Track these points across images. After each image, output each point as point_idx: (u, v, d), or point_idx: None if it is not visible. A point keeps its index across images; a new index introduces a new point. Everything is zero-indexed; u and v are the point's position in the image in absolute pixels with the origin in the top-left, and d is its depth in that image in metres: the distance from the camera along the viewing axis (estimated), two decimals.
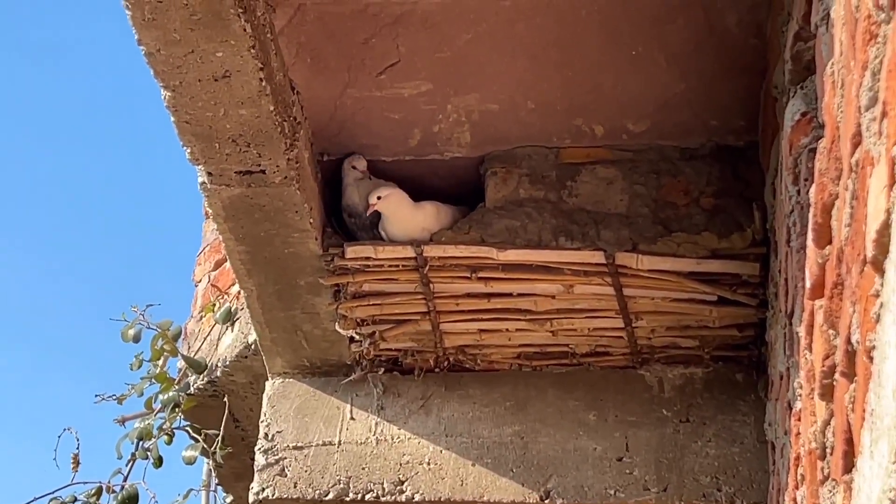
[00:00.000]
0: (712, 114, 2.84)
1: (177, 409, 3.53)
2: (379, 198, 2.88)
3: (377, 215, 2.93)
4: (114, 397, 3.77)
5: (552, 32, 2.68)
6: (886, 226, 1.23)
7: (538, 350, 3.05)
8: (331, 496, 2.96)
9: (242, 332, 3.36)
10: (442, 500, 2.93)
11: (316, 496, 2.96)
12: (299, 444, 3.03)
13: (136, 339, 3.69)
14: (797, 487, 2.12)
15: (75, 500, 3.55)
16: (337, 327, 2.99)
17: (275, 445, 3.03)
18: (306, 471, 2.99)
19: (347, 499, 2.95)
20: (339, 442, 3.02)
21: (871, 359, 1.34)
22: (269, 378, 3.17)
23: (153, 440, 3.56)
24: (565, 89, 2.82)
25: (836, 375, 1.61)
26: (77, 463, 3.75)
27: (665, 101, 2.82)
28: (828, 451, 1.72)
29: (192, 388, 3.48)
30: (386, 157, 2.97)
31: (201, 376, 3.46)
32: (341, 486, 2.96)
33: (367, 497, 2.95)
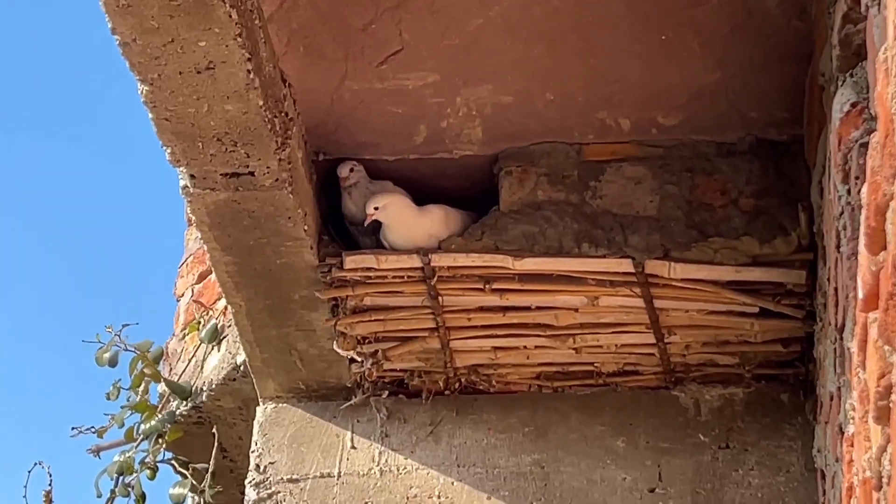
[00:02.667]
0: (751, 105, 2.84)
1: (160, 440, 3.53)
2: (376, 208, 2.88)
3: (378, 222, 2.92)
4: (92, 430, 3.78)
5: (572, 16, 2.68)
6: None
7: (560, 369, 3.06)
8: None
9: (230, 353, 3.37)
10: None
11: None
12: (294, 477, 3.03)
13: (113, 363, 3.70)
14: None
15: None
16: (335, 346, 2.99)
17: (267, 478, 3.03)
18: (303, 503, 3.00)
19: None
20: (339, 473, 3.02)
21: None
22: (261, 403, 3.17)
23: (135, 475, 3.57)
24: (587, 79, 2.82)
25: (893, 397, 1.60)
26: (49, 501, 3.76)
27: (699, 92, 2.82)
28: (884, 480, 1.72)
29: (176, 416, 3.49)
30: (388, 156, 2.97)
31: (186, 402, 3.47)
32: None
33: None
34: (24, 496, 3.72)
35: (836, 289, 2.30)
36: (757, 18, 2.66)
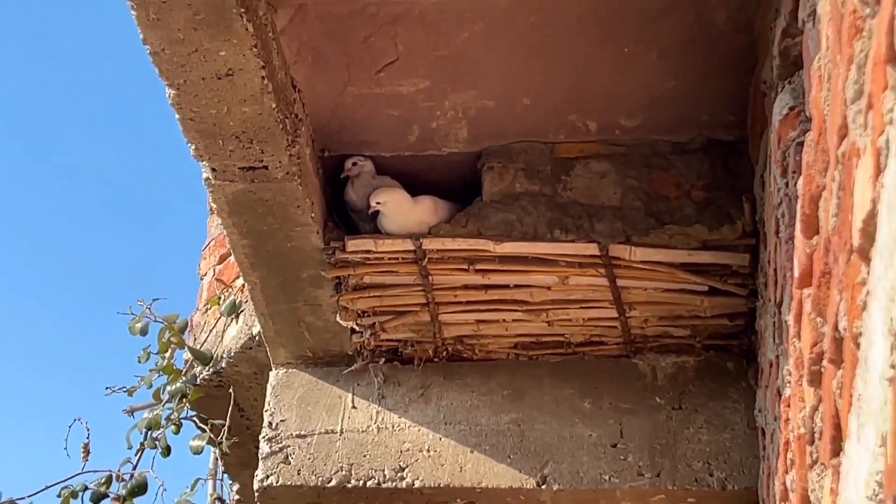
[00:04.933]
0: (702, 109, 2.83)
1: (184, 400, 3.53)
2: (378, 203, 2.89)
3: (377, 211, 2.92)
4: (123, 389, 3.79)
5: (546, 30, 2.68)
6: (872, 215, 1.23)
7: (534, 340, 3.05)
8: (333, 483, 2.95)
9: (247, 324, 3.37)
10: (441, 486, 2.93)
11: (318, 483, 2.96)
12: (302, 433, 3.03)
13: (144, 332, 3.70)
14: (787, 472, 2.12)
15: (86, 488, 3.55)
16: (338, 319, 2.99)
17: (278, 434, 3.03)
18: (309, 458, 2.99)
19: (349, 486, 2.95)
20: (341, 430, 3.02)
21: (857, 345, 1.33)
22: (273, 368, 3.17)
23: (161, 430, 3.57)
24: (559, 86, 2.82)
25: (824, 362, 1.61)
26: (87, 452, 3.75)
27: (656, 97, 2.82)
28: (816, 436, 1.72)
29: (198, 380, 3.49)
30: (385, 152, 2.96)
31: (207, 367, 3.47)
32: (343, 473, 2.96)
33: (369, 484, 2.95)
34: (65, 448, 3.72)
35: (775, 269, 2.30)
36: (707, 33, 2.66)
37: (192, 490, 3.67)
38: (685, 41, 2.67)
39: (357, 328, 3.02)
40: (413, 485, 2.94)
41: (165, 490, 3.58)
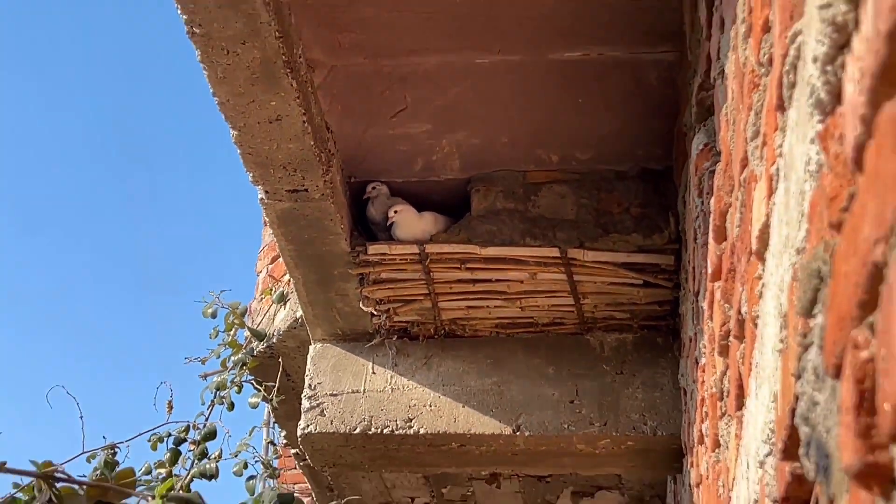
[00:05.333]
0: (638, 146, 2.84)
1: (244, 367, 3.52)
2: (395, 212, 2.89)
3: (391, 222, 2.93)
4: (198, 359, 3.78)
5: (520, 86, 2.68)
6: (766, 226, 1.24)
7: (510, 321, 3.05)
8: (357, 430, 2.96)
9: (292, 310, 3.37)
10: (440, 433, 2.94)
11: (346, 430, 2.96)
12: (334, 392, 3.03)
13: (214, 315, 3.69)
14: (702, 421, 2.13)
15: (169, 435, 3.54)
16: (361, 305, 2.99)
17: (316, 393, 3.03)
18: (339, 412, 2.99)
19: (370, 433, 2.95)
20: (364, 390, 3.02)
21: (755, 325, 1.34)
22: (312, 343, 3.16)
23: (227, 390, 3.56)
24: (530, 128, 2.82)
25: (731, 338, 1.61)
26: (171, 408, 3.74)
27: (603, 136, 2.82)
28: (725, 394, 1.73)
29: (255, 352, 3.48)
30: (397, 179, 2.96)
31: (262, 343, 3.46)
32: (365, 423, 2.96)
33: (385, 431, 2.95)
34: (154, 404, 3.70)
35: (693, 267, 2.31)
36: (642, 88, 2.66)
37: (249, 436, 3.65)
38: (625, 94, 2.68)
39: (375, 312, 3.02)
40: (419, 432, 2.94)
41: (230, 436, 3.57)
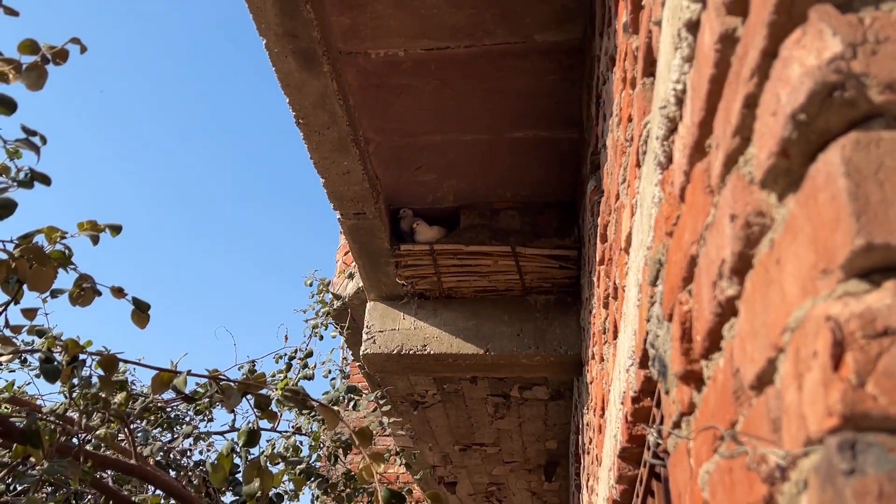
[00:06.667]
0: (558, 186, 2.83)
1: (328, 315, 3.52)
2: (416, 225, 2.88)
3: (414, 232, 2.92)
4: (302, 310, 3.78)
5: (489, 153, 2.68)
6: (630, 234, 1.23)
7: (483, 289, 3.03)
8: (394, 352, 2.95)
9: (357, 282, 3.36)
10: (443, 353, 2.93)
11: (388, 352, 2.96)
12: (381, 329, 3.02)
13: (311, 285, 3.70)
14: (594, 346, 2.12)
15: (285, 354, 3.54)
16: (397, 280, 2.98)
17: (370, 330, 3.03)
18: (384, 341, 2.99)
19: (402, 353, 2.95)
20: (398, 329, 3.02)
21: (624, 290, 1.33)
22: (368, 301, 3.16)
23: (318, 328, 3.56)
24: (494, 177, 2.82)
25: (609, 298, 1.61)
26: (286, 339, 3.76)
27: (536, 181, 2.81)
28: (606, 331, 1.72)
29: (335, 306, 3.48)
30: (417, 206, 2.95)
31: (339, 301, 3.46)
32: (399, 347, 2.96)
33: (411, 352, 2.95)
34: (276, 336, 3.70)
35: (588, 257, 2.30)
36: (559, 152, 2.66)
37: (331, 353, 3.67)
38: (549, 157, 2.68)
39: (405, 284, 3.01)
40: (430, 353, 2.94)
41: (321, 354, 3.59)
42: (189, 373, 1.23)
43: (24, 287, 1.26)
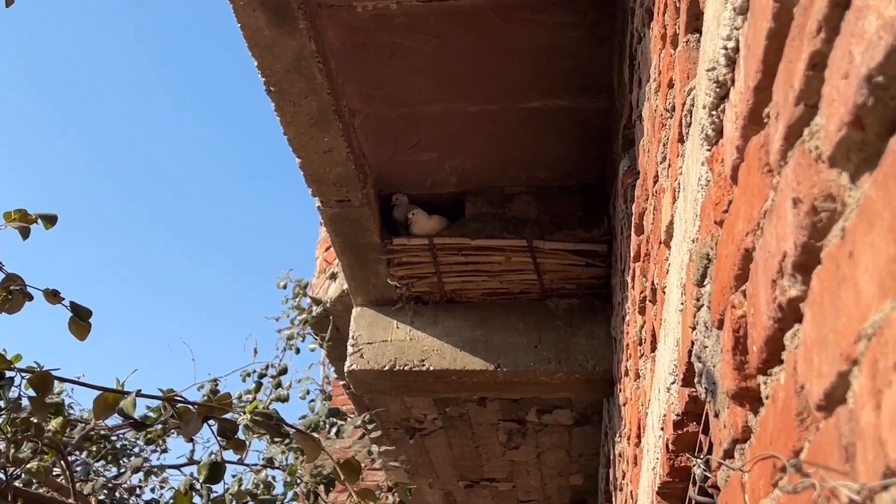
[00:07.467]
0: (583, 167, 2.83)
1: (306, 324, 3.54)
2: (413, 214, 2.88)
3: (410, 222, 2.93)
4: (275, 318, 3.80)
5: (498, 127, 2.68)
6: (671, 224, 1.24)
7: (493, 291, 3.04)
8: (386, 368, 2.96)
9: (340, 284, 3.37)
10: (444, 369, 2.94)
11: (379, 368, 2.97)
12: (370, 341, 3.03)
13: (285, 287, 3.72)
14: (627, 360, 2.13)
15: (254, 371, 3.56)
16: (389, 280, 2.99)
17: (357, 342, 3.03)
18: (374, 355, 3.00)
19: (395, 369, 2.96)
20: (390, 340, 3.02)
21: (664, 292, 1.34)
22: (354, 307, 3.16)
23: (294, 340, 3.58)
24: (505, 156, 2.82)
25: (647, 301, 1.61)
26: (255, 352, 3.77)
27: (557, 160, 2.82)
28: (643, 341, 1.73)
29: (314, 313, 3.49)
30: (413, 192, 2.96)
31: (319, 307, 3.47)
32: (391, 362, 2.97)
33: (405, 368, 2.96)
34: (244, 349, 3.73)
35: (620, 253, 2.31)
36: (584, 126, 2.66)
37: (309, 369, 3.69)
38: (571, 131, 2.68)
39: (398, 286, 3.02)
40: (429, 369, 2.95)
41: (297, 370, 3.61)
42: (139, 393, 1.23)
43: None
